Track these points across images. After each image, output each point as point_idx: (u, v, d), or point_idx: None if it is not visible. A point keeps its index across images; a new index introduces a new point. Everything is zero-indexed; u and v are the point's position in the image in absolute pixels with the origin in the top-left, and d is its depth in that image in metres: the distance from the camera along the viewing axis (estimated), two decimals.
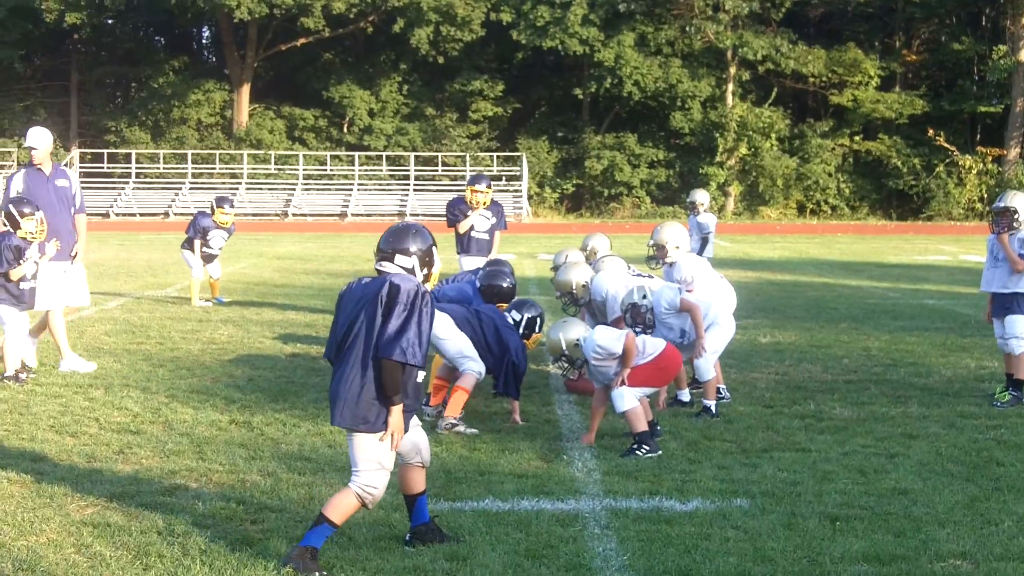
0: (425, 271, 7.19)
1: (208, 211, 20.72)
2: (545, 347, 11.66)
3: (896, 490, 8.67)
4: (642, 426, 9.80)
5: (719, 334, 11.73)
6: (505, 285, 12.57)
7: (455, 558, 7.03)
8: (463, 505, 8.19)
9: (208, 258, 20.43)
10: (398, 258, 7.10)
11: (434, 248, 7.29)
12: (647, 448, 9.70)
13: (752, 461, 9.55)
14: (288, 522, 7.69)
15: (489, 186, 16.36)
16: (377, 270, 7.15)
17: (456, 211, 16.32)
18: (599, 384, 10.29)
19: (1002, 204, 12.34)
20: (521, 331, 11.43)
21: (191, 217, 21.81)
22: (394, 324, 6.79)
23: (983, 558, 7.10)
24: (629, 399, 9.86)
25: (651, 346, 10.29)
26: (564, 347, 10.36)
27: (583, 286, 12.37)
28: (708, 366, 11.40)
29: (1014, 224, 12.17)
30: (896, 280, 27.00)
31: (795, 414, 11.45)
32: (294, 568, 6.70)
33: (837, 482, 8.90)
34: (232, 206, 20.86)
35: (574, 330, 10.37)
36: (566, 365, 10.54)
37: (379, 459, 6.92)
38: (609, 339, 10.12)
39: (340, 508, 6.93)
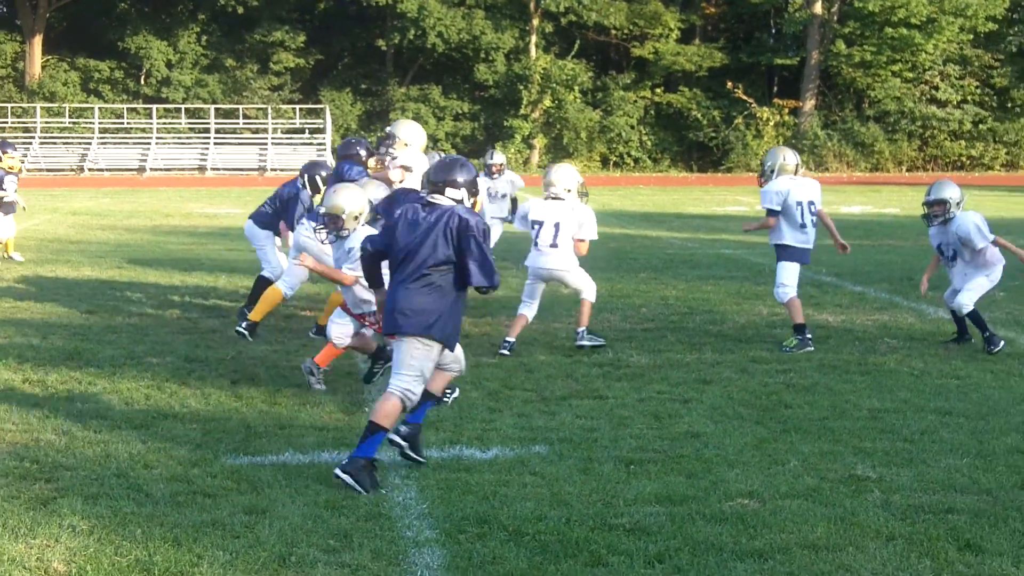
0: (472, 200, 7.91)
1: None
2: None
3: (689, 433, 8.91)
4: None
5: None
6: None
7: (254, 511, 6.99)
8: (263, 459, 8.14)
9: (5, 208, 19.77)
10: (448, 191, 7.78)
11: (477, 178, 8.03)
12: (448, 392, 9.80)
13: (551, 409, 9.70)
14: (83, 480, 7.56)
15: None
16: (430, 201, 7.80)
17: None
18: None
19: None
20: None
21: None
22: (479, 255, 7.58)
23: (769, 496, 7.35)
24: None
25: None
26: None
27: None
28: None
29: (761, 180, 12.70)
30: (695, 231, 27.57)
31: (594, 362, 11.66)
32: (352, 477, 7.34)
33: (633, 427, 9.10)
34: (15, 149, 20.35)
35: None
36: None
37: (422, 368, 7.66)
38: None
39: (388, 412, 7.57)
